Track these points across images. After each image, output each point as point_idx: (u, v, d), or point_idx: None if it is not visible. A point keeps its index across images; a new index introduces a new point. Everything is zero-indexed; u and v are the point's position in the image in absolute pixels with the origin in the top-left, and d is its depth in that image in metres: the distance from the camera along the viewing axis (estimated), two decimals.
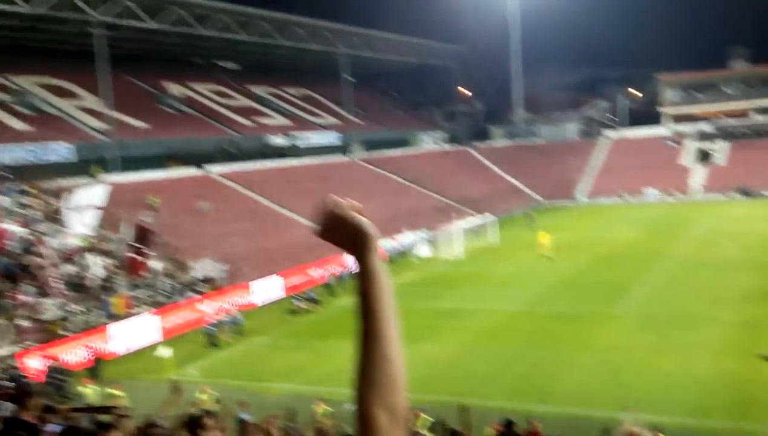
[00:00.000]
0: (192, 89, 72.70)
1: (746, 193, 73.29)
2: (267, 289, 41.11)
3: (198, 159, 58.33)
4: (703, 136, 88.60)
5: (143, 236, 36.69)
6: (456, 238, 49.89)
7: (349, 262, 46.22)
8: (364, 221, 1.95)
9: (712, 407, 20.38)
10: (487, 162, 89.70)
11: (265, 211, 53.20)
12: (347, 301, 39.24)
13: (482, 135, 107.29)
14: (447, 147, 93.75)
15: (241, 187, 56.54)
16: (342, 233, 1.96)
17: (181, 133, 60.90)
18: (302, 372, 27.21)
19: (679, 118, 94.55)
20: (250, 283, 40.59)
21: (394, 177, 71.32)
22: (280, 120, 75.69)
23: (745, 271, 36.86)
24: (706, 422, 19.44)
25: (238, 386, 25.90)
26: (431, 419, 18.13)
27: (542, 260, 44.81)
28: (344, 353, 28.54)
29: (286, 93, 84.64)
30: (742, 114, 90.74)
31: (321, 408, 20.02)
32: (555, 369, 24.62)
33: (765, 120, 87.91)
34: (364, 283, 1.91)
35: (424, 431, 17.97)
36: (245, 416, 20.45)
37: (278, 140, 69.20)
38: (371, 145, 79.56)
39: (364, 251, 1.93)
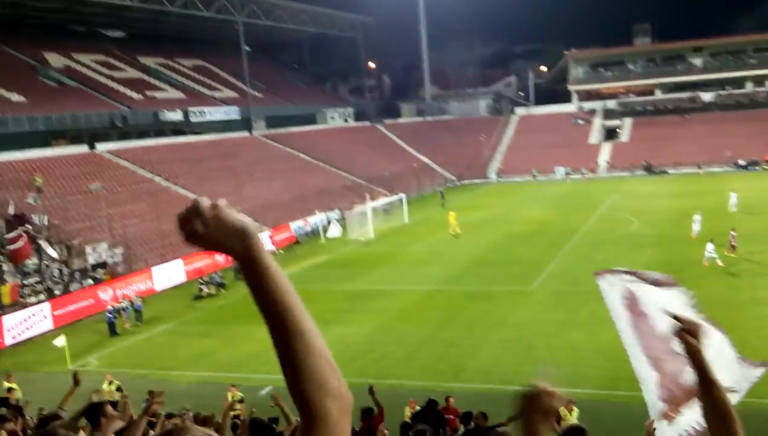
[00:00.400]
0: (75, 60, 69.96)
1: (649, 170, 77.99)
2: (168, 273, 40.80)
3: (87, 136, 56.59)
4: (609, 114, 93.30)
5: (22, 219, 35.77)
6: (367, 218, 50.85)
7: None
8: (245, 218, 1.85)
9: (618, 379, 22.16)
10: (396, 139, 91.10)
11: (163, 191, 52.35)
12: None
13: (391, 111, 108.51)
14: (355, 124, 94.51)
15: (135, 166, 55.32)
16: (220, 235, 1.82)
17: (64, 108, 58.72)
18: (211, 359, 27.48)
19: (587, 96, 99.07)
20: (150, 268, 40.20)
21: (301, 155, 71.47)
22: (173, 93, 74.15)
23: (649, 247, 39.62)
24: (614, 392, 21.22)
25: (143, 375, 25.96)
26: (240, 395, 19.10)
27: (460, 237, 46.55)
28: (254, 338, 29.14)
29: (179, 64, 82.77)
30: (647, 91, 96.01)
31: (233, 394, 20.44)
32: (469, 347, 25.96)
33: (668, 97, 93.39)
34: (266, 281, 1.86)
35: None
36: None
37: (172, 115, 67.78)
38: (274, 121, 79.05)
39: (253, 249, 1.83)
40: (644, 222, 47.25)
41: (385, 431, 13.69)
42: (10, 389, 21.37)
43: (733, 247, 35.59)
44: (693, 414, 6.65)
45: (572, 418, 17.70)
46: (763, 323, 25.45)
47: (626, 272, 4.94)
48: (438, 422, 15.45)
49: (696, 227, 40.08)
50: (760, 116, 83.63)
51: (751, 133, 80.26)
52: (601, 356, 24.07)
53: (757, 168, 73.67)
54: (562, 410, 17.66)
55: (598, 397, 20.89)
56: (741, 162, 75.13)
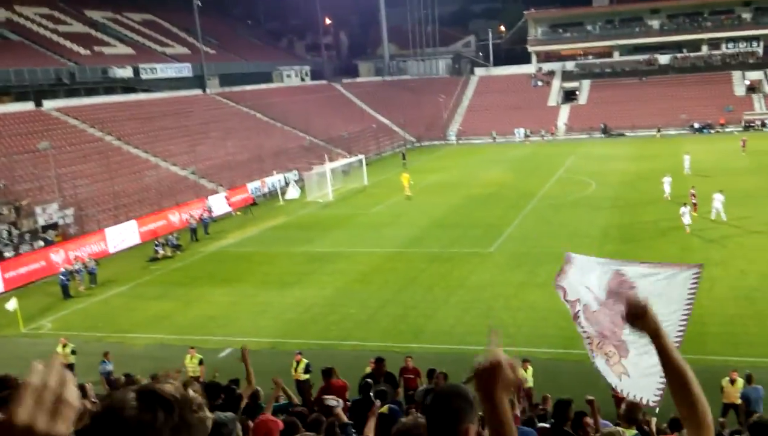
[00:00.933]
0: (18, 13, 67.63)
1: (606, 132, 79.26)
2: (122, 235, 40.42)
3: (33, 94, 55.22)
4: (568, 76, 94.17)
5: None
6: (326, 179, 50.85)
7: (212, 205, 46.28)
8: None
9: (575, 338, 22.86)
10: (354, 99, 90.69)
11: (114, 151, 51.51)
12: (212, 246, 39.51)
13: (348, 70, 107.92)
14: (311, 82, 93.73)
15: (85, 124, 54.22)
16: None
17: (8, 64, 56.98)
18: (168, 321, 27.51)
19: (546, 57, 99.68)
20: (103, 229, 39.77)
21: (256, 114, 70.79)
22: (122, 49, 72.47)
23: (605, 209, 40.53)
24: (570, 351, 21.96)
25: (98, 337, 25.90)
26: (306, 361, 19.37)
27: (418, 200, 46.96)
28: (211, 301, 29.30)
29: (128, 19, 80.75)
30: (606, 53, 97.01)
31: (192, 356, 20.59)
32: (429, 309, 26.45)
33: (626, 59, 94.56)
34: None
35: (303, 375, 19.29)
36: (109, 367, 20.77)
37: (122, 72, 66.39)
38: (228, 78, 78.05)
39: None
40: (602, 184, 48.21)
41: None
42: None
43: (695, 205, 36.75)
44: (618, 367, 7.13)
45: (528, 376, 18.35)
46: (713, 283, 26.40)
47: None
48: (388, 381, 15.77)
49: (667, 188, 41.03)
50: (714, 79, 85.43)
51: (706, 96, 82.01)
52: (559, 315, 24.75)
53: (711, 131, 75.39)
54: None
55: (556, 356, 21.63)
56: (696, 125, 76.78)
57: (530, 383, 18.28)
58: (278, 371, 20.02)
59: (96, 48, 68.90)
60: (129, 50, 72.64)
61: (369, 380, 14.15)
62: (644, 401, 6.24)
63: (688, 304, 5.96)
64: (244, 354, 11.07)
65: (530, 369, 18.42)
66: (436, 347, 22.63)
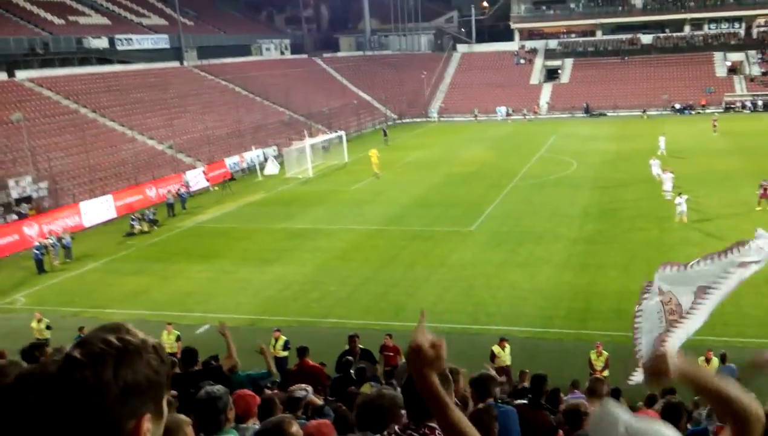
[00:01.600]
0: None
1: (588, 111, 79.61)
2: (98, 209, 40.11)
3: (5, 63, 54.29)
4: (550, 54, 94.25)
5: None
6: (305, 156, 50.66)
7: (189, 180, 45.97)
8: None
9: (554, 317, 23.24)
10: (335, 74, 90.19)
11: (90, 123, 50.91)
12: (189, 221, 39.36)
13: (329, 45, 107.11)
14: (291, 56, 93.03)
15: (59, 96, 53.49)
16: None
17: None
18: (145, 297, 27.43)
19: (528, 34, 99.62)
20: (78, 203, 39.43)
21: (235, 88, 70.21)
22: (97, 19, 71.24)
23: (586, 189, 40.84)
24: (549, 330, 22.27)
25: (74, 313, 25.81)
26: (285, 338, 19.45)
27: (399, 177, 46.95)
28: (188, 277, 29.25)
29: None
30: (588, 31, 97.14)
31: (169, 332, 20.58)
32: (410, 287, 26.58)
33: (608, 38, 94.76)
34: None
35: (281, 352, 19.36)
36: None
37: (98, 42, 65.38)
38: (206, 51, 77.15)
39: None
40: (583, 164, 48.51)
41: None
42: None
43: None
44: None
45: (506, 354, 18.58)
46: None
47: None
48: (365, 357, 15.79)
49: (655, 169, 41.35)
50: (696, 60, 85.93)
51: (688, 77, 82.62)
52: (539, 295, 25.11)
53: (692, 112, 75.98)
54: (496, 348, 18.52)
55: (535, 334, 21.89)
56: (677, 106, 77.34)
57: (508, 362, 18.50)
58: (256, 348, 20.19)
59: (71, 17, 67.71)
60: (104, 20, 71.48)
61: (349, 357, 14.25)
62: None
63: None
64: (224, 329, 11.13)
65: (508, 348, 18.66)
66: (416, 324, 22.77)
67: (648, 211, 35.33)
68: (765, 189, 34.47)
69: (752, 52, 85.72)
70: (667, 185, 37.01)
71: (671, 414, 6.55)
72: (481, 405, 5.89)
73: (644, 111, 75.55)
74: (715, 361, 16.96)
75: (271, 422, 4.17)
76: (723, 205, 35.37)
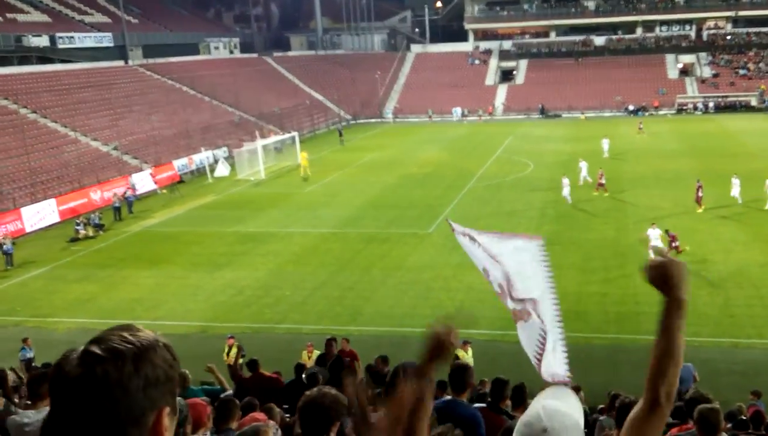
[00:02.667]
0: None
1: (544, 113, 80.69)
2: (40, 213, 39.15)
3: None
4: (505, 55, 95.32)
5: None
6: (257, 157, 50.22)
7: (135, 183, 45.21)
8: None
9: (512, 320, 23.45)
10: (286, 74, 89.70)
11: (31, 124, 49.68)
12: (136, 226, 38.68)
13: (280, 44, 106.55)
14: (241, 55, 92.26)
15: None
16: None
17: None
18: (91, 305, 26.83)
19: (483, 35, 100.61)
20: (19, 208, 38.44)
21: (183, 87, 69.24)
22: (37, 16, 69.67)
23: (542, 190, 41.34)
24: (509, 333, 22.36)
25: (16, 322, 25.13)
26: (239, 345, 19.22)
27: (354, 179, 46.81)
28: (136, 283, 28.76)
29: None
30: (542, 33, 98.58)
31: None
32: (367, 291, 26.56)
33: (562, 40, 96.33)
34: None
35: (236, 360, 19.13)
36: (30, 354, 20.17)
37: (38, 41, 64.00)
38: (152, 50, 76.02)
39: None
40: (539, 165, 49.11)
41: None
42: None
43: (601, 185, 38.78)
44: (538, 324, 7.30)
45: (468, 357, 18.67)
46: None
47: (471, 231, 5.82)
48: (337, 364, 15.64)
49: (584, 172, 42.05)
50: (649, 62, 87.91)
51: (641, 78, 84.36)
52: (497, 297, 25.28)
53: (645, 114, 77.53)
54: (460, 351, 18.62)
55: (494, 337, 21.98)
56: (631, 107, 78.88)
57: (470, 364, 18.61)
58: (209, 356, 19.90)
59: (9, 14, 66.05)
60: (45, 18, 69.94)
61: (302, 362, 14.04)
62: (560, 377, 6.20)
63: (550, 277, 6.08)
64: (212, 370, 11.27)
65: (470, 351, 18.76)
66: (374, 329, 22.77)
67: (604, 212, 35.97)
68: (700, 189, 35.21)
69: (703, 54, 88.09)
70: (565, 191, 37.67)
71: (626, 413, 6.59)
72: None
73: (583, 113, 77.07)
74: None
75: (250, 427, 4.13)
76: (675, 205, 36.25)
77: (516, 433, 2.35)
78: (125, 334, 1.63)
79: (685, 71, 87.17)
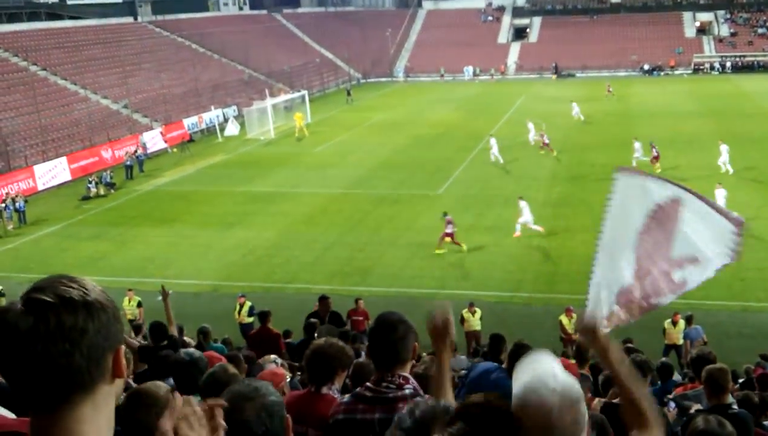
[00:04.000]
0: None
1: (557, 72, 79.81)
2: (52, 172, 39.44)
3: None
4: (518, 12, 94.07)
5: None
6: (267, 116, 50.16)
7: (146, 141, 45.39)
8: None
9: (522, 281, 23.62)
10: (296, 31, 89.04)
11: (41, 81, 49.74)
12: (147, 184, 38.95)
13: (290, 0, 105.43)
14: (250, 12, 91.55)
15: (8, 53, 52.03)
16: None
17: None
18: (104, 263, 27.21)
19: None
20: (31, 166, 38.76)
21: (192, 45, 68.91)
22: None
23: (555, 151, 41.11)
24: (518, 294, 22.64)
25: (30, 279, 25.45)
26: (250, 304, 19.52)
27: (364, 140, 46.69)
28: (148, 241, 29.07)
29: None
30: None
31: (131, 299, 20.53)
32: (376, 251, 26.75)
33: None
34: None
35: (247, 318, 19.44)
36: None
37: None
38: (161, 6, 75.61)
39: None
40: (552, 127, 48.66)
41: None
42: None
43: (546, 145, 39.91)
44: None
45: (475, 320, 18.91)
46: None
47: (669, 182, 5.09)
48: (333, 320, 15.67)
49: (532, 134, 42.59)
50: (665, 19, 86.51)
51: (657, 37, 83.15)
52: (507, 259, 25.45)
53: (660, 73, 76.69)
54: (466, 313, 18.85)
55: (503, 299, 22.24)
56: (646, 67, 77.93)
57: (478, 327, 18.82)
58: (221, 314, 20.25)
59: None
60: None
61: (314, 319, 14.29)
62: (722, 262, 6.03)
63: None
64: (165, 295, 11.38)
65: (478, 313, 18.96)
66: (383, 290, 23.01)
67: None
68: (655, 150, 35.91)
69: (721, 12, 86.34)
70: (494, 149, 38.53)
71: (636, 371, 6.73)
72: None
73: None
74: (682, 323, 17.45)
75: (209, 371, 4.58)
76: (692, 168, 35.86)
77: (523, 387, 2.28)
78: (65, 281, 1.66)
79: (702, 30, 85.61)
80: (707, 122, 47.53)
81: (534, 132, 42.06)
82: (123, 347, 1.70)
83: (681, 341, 17.48)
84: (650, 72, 77.07)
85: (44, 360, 1.55)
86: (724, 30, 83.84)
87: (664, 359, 15.79)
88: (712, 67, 76.71)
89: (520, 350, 9.21)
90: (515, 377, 2.33)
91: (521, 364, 2.38)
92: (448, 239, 25.77)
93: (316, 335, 12.71)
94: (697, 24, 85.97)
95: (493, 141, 38.87)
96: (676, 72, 76.48)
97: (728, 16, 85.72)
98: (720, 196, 27.67)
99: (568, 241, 26.42)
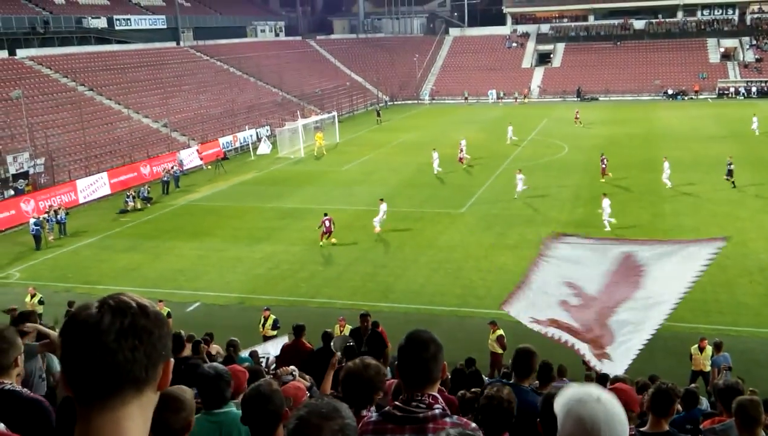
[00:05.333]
0: None
1: (580, 95, 78.87)
2: (93, 186, 39.59)
3: (7, 42, 53.62)
4: (542, 38, 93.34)
5: None
6: (297, 136, 50.07)
7: (183, 158, 45.42)
8: None
9: None
10: (328, 56, 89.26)
11: (87, 101, 50.19)
12: (182, 199, 38.86)
13: (323, 27, 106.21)
14: (285, 38, 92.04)
15: (58, 74, 52.74)
16: None
17: None
18: (137, 274, 27.00)
19: (521, 19, 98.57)
20: (74, 180, 38.94)
21: (230, 68, 69.36)
22: None
23: (577, 172, 40.37)
24: None
25: (67, 288, 25.35)
26: (274, 317, 19.07)
27: (389, 158, 46.27)
28: (180, 254, 28.80)
29: None
30: (581, 16, 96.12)
31: (161, 310, 20.22)
32: (398, 268, 26.16)
33: (601, 23, 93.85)
34: None
35: (271, 331, 19.00)
36: None
37: (97, 22, 64.60)
38: (202, 32, 76.42)
39: None
40: (574, 148, 48.00)
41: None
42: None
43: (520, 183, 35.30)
44: (621, 349, 7.08)
45: (492, 338, 18.05)
46: None
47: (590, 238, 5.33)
48: (375, 340, 14.89)
49: (435, 164, 41.57)
50: (689, 46, 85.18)
51: (681, 62, 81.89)
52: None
53: (684, 98, 75.30)
54: (491, 333, 17.87)
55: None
56: (669, 91, 76.62)
57: (495, 348, 17.75)
58: (246, 326, 19.84)
59: None
60: (104, 1, 70.51)
61: (329, 330, 13.64)
62: (614, 371, 6.21)
63: (697, 276, 5.73)
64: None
65: (500, 332, 18.01)
66: (405, 306, 22.44)
67: (640, 196, 34.83)
68: (604, 163, 37.86)
69: (746, 39, 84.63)
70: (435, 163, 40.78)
71: (661, 399, 6.09)
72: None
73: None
74: (709, 350, 16.34)
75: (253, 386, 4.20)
76: (715, 190, 34.90)
77: (563, 407, 2.27)
78: (130, 295, 1.75)
79: (726, 55, 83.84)
80: (731, 146, 46.22)
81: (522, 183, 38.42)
82: (172, 361, 1.77)
83: (708, 368, 16.22)
84: (674, 96, 75.79)
85: (113, 351, 1.63)
86: (749, 56, 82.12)
87: (691, 385, 14.98)
88: (737, 92, 75.16)
89: (548, 370, 8.54)
90: (557, 399, 2.32)
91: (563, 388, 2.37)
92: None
93: (331, 344, 12.22)
94: (722, 50, 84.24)
95: (435, 154, 40.64)
96: (701, 97, 75.04)
97: (753, 42, 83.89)
98: (606, 205, 29.49)
99: None
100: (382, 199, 30.51)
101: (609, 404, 2.22)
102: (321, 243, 29.09)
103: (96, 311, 1.67)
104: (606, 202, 29.62)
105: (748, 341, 19.14)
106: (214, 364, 5.70)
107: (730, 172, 35.24)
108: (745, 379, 13.84)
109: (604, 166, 37.92)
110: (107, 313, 1.65)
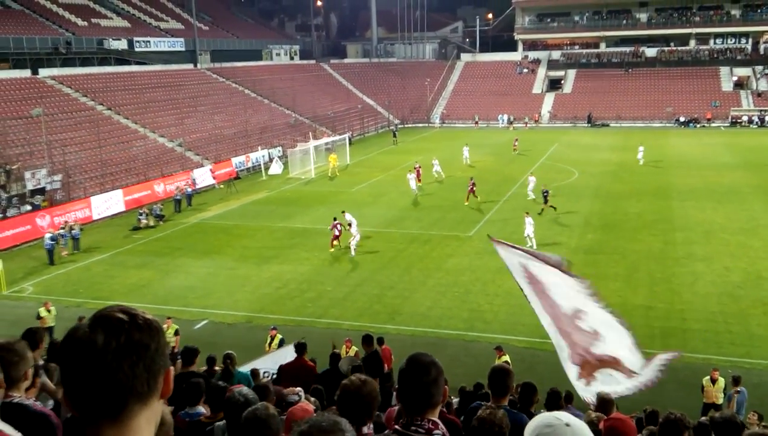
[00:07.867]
0: None
1: (591, 121, 78.56)
2: (107, 203, 39.62)
3: (30, 61, 54.08)
4: (553, 65, 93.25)
5: None
6: (309, 157, 50.05)
7: (196, 177, 45.46)
8: None
9: None
10: (341, 79, 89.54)
11: (105, 120, 50.45)
12: (194, 218, 38.77)
13: (337, 51, 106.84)
14: (300, 62, 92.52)
15: (78, 93, 53.10)
16: None
17: (7, 31, 55.66)
18: (147, 290, 26.87)
19: (532, 45, 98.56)
20: (89, 197, 39.01)
21: (245, 90, 69.67)
22: (118, 22, 70.92)
23: (587, 198, 39.98)
24: (547, 341, 21.31)
25: (78, 303, 25.23)
26: (281, 337, 18.77)
27: (399, 181, 46.05)
28: (190, 272, 28.61)
29: None
30: (592, 43, 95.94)
31: (169, 326, 20.02)
32: (406, 290, 25.82)
33: (612, 50, 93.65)
34: None
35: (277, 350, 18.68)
36: None
37: (117, 44, 65.16)
38: (219, 54, 76.96)
39: None
40: (584, 173, 47.63)
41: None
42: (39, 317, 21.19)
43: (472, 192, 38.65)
44: (610, 381, 6.89)
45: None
46: (697, 278, 25.97)
47: (519, 249, 5.41)
48: (373, 363, 14.67)
49: (412, 183, 42.12)
50: (702, 74, 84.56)
51: (693, 90, 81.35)
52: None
53: (696, 125, 74.78)
54: (497, 359, 17.51)
55: (533, 344, 20.90)
56: (681, 118, 76.13)
57: None
58: (253, 345, 19.55)
59: (93, 20, 67.43)
60: (125, 23, 71.16)
61: (337, 350, 13.37)
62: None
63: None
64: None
65: (506, 357, 17.66)
66: (411, 329, 22.11)
67: (651, 223, 34.34)
68: (473, 185, 38.68)
69: (759, 68, 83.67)
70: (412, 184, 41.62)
71: (669, 430, 5.74)
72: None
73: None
74: (721, 381, 15.76)
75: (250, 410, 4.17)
76: (728, 220, 34.37)
77: (533, 433, 2.31)
78: (124, 308, 1.74)
79: (739, 84, 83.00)
80: (745, 174, 45.74)
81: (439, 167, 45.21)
82: (172, 368, 1.78)
83: (721, 400, 15.57)
84: (686, 124, 75.27)
85: (114, 371, 1.63)
86: (763, 84, 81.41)
87: (702, 418, 14.50)
88: (750, 121, 74.46)
89: (556, 398, 8.35)
90: (528, 426, 2.32)
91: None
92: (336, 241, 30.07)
93: (339, 365, 12.06)
94: (735, 78, 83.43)
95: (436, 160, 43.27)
96: (713, 125, 74.47)
97: (766, 71, 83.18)
98: (528, 223, 30.05)
99: (600, 289, 24.86)
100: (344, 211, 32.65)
101: (578, 429, 2.23)
102: (331, 250, 30.23)
103: (89, 330, 1.66)
104: (528, 220, 30.38)
105: (763, 374, 18.48)
106: (244, 390, 5.69)
107: (545, 199, 36.00)
108: (763, 414, 13.39)
109: (471, 189, 38.56)
110: (100, 332, 1.65)
